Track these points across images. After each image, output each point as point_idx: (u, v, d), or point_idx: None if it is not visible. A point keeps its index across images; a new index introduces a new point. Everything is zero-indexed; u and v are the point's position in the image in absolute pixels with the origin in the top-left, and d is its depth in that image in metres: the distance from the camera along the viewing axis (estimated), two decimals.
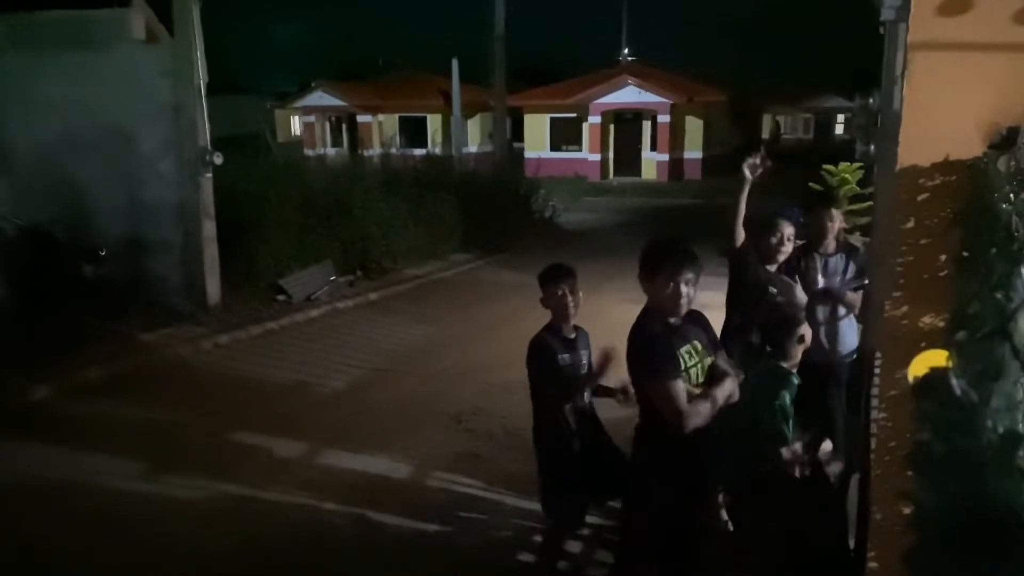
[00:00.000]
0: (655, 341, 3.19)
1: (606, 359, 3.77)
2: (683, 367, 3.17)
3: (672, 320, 3.26)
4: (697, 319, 3.38)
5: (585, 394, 3.86)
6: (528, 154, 28.32)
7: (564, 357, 3.82)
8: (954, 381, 1.76)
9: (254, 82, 41.34)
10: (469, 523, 4.90)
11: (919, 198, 2.22)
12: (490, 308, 10.38)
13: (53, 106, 9.40)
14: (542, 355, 3.82)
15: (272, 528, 4.86)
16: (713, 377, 3.26)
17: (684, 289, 3.19)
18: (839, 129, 44.42)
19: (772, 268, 4.48)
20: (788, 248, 4.48)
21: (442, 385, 7.44)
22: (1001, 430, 1.77)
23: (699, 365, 3.25)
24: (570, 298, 3.85)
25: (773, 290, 4.41)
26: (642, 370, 3.23)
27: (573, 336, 3.91)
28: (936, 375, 1.82)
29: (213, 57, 9.52)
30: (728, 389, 3.24)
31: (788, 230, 4.46)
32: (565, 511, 3.97)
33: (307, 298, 10.31)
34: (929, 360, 1.89)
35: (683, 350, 3.21)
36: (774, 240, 4.44)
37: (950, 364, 1.83)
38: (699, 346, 3.28)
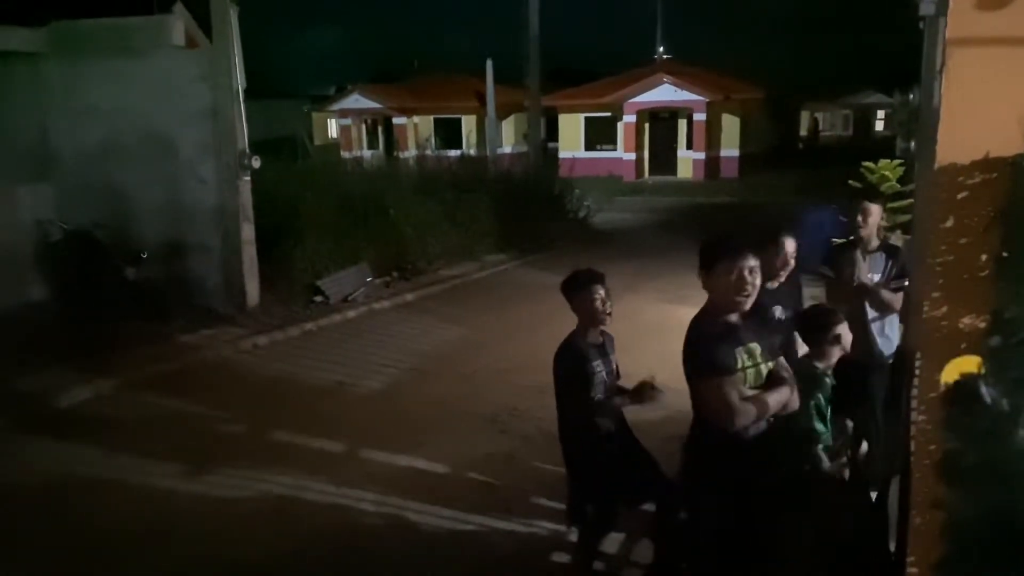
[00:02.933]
0: (712, 337, 3.11)
1: (644, 393, 3.78)
2: (739, 366, 3.09)
3: (733, 318, 3.15)
4: (763, 321, 3.32)
5: (615, 399, 3.85)
6: (563, 154, 28.28)
7: (596, 364, 3.78)
8: (984, 389, 1.72)
9: (292, 86, 41.78)
10: (504, 523, 4.91)
11: (958, 196, 2.17)
12: (525, 309, 10.38)
13: (96, 112, 9.61)
14: (572, 360, 3.79)
15: (310, 527, 4.92)
16: (770, 383, 3.18)
17: (748, 277, 3.07)
18: (879, 125, 43.76)
19: (774, 285, 4.25)
20: (792, 264, 4.29)
21: (477, 386, 7.46)
22: None
23: (755, 369, 3.14)
24: (602, 303, 3.80)
25: (776, 313, 4.26)
26: (696, 366, 3.14)
27: (601, 341, 3.88)
28: (966, 382, 1.77)
29: (251, 61, 9.67)
30: (784, 396, 3.16)
31: (791, 246, 4.27)
32: (589, 517, 3.95)
33: (344, 299, 10.41)
34: (961, 366, 1.85)
35: (739, 350, 3.11)
36: (777, 259, 4.24)
37: (982, 371, 1.78)
38: (757, 349, 3.16)
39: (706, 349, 3.10)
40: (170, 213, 9.65)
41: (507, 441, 6.16)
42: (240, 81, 9.35)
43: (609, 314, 3.81)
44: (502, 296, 11.34)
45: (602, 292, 3.80)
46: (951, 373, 1.91)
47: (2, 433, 6.37)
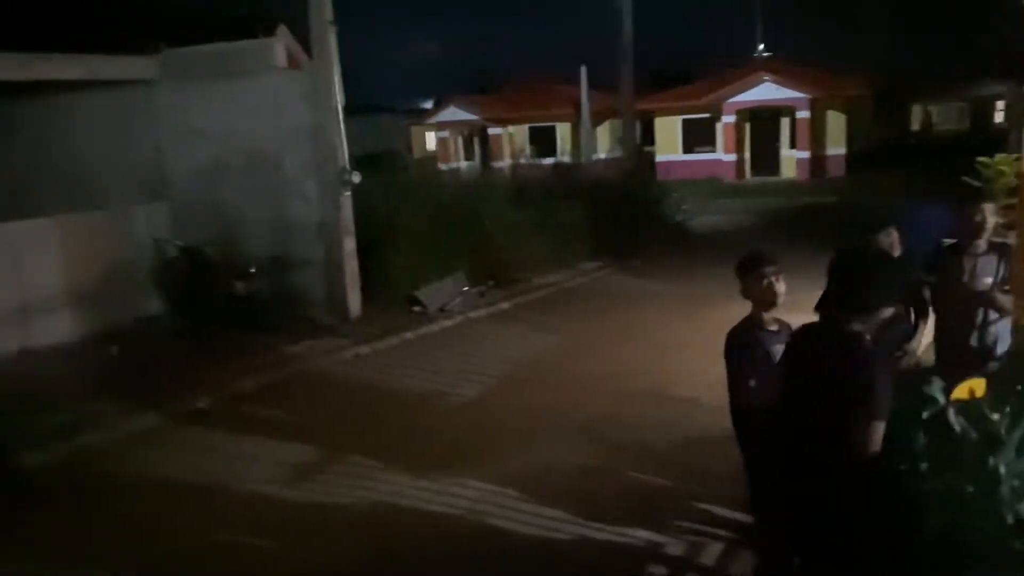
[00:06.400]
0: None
1: None
2: None
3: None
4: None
5: None
6: (660, 158, 27.94)
7: (772, 349, 3.65)
8: (952, 418, 1.62)
9: (390, 101, 42.80)
10: (597, 533, 4.87)
11: None
12: (620, 316, 10.28)
13: (205, 133, 10.08)
14: (745, 346, 3.68)
15: (405, 533, 5.01)
16: None
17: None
18: (999, 117, 41.35)
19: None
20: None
21: (571, 394, 7.43)
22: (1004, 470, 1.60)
23: None
24: (775, 286, 3.69)
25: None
26: None
27: (776, 328, 3.72)
28: (937, 410, 1.67)
29: (351, 78, 9.97)
30: None
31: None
32: (772, 510, 3.77)
33: (441, 309, 10.56)
34: (972, 387, 1.74)
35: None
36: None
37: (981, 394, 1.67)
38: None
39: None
40: (275, 229, 10.02)
41: (601, 450, 6.10)
42: (340, 98, 9.65)
43: (779, 296, 3.69)
44: (597, 304, 11.27)
45: (771, 274, 3.68)
46: (961, 393, 1.80)
47: (118, 441, 6.74)
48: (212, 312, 9.39)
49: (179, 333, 9.38)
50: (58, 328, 9.13)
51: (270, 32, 10.70)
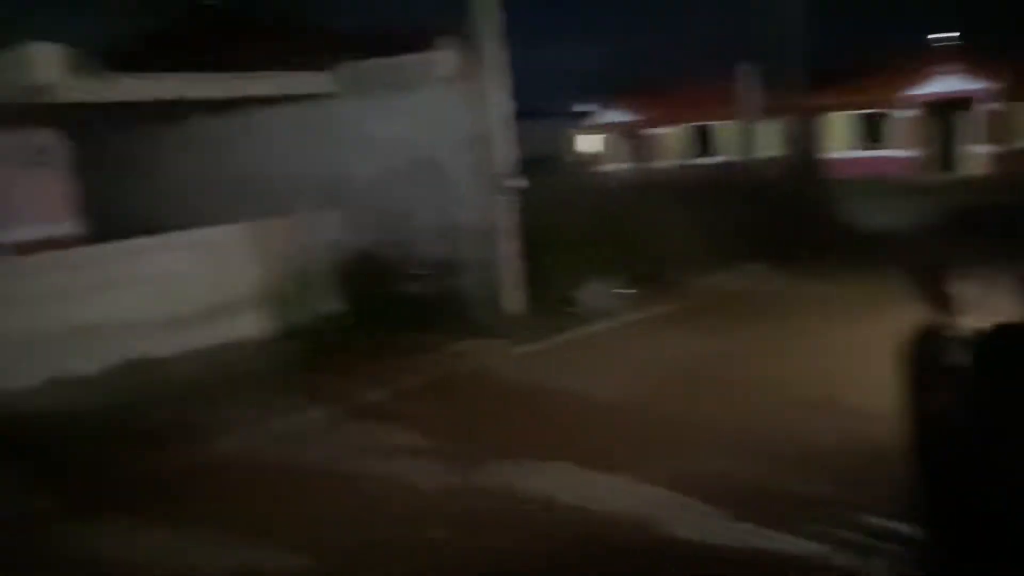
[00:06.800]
0: None
1: None
2: None
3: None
4: None
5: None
6: (830, 155, 26.70)
7: (948, 356, 3.57)
8: None
9: (552, 105, 43.15)
10: (759, 541, 4.84)
11: None
12: (783, 320, 10.00)
13: (376, 143, 10.67)
14: (922, 354, 3.62)
15: (562, 532, 5.15)
16: None
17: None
18: None
19: None
20: None
21: (732, 399, 7.33)
22: None
23: None
24: (956, 290, 3.61)
25: None
26: None
27: (956, 334, 3.64)
28: None
29: (516, 85, 10.26)
30: None
31: None
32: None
33: (598, 311, 10.66)
34: None
35: None
36: None
37: None
38: None
39: None
40: (442, 233, 10.44)
41: (763, 458, 5.99)
42: (506, 106, 9.98)
43: (959, 301, 3.59)
44: (760, 307, 10.99)
45: (951, 277, 3.60)
46: None
47: (297, 431, 7.31)
48: (384, 312, 9.95)
49: (354, 331, 9.99)
50: (249, 324, 9.96)
51: (438, 45, 11.19)
